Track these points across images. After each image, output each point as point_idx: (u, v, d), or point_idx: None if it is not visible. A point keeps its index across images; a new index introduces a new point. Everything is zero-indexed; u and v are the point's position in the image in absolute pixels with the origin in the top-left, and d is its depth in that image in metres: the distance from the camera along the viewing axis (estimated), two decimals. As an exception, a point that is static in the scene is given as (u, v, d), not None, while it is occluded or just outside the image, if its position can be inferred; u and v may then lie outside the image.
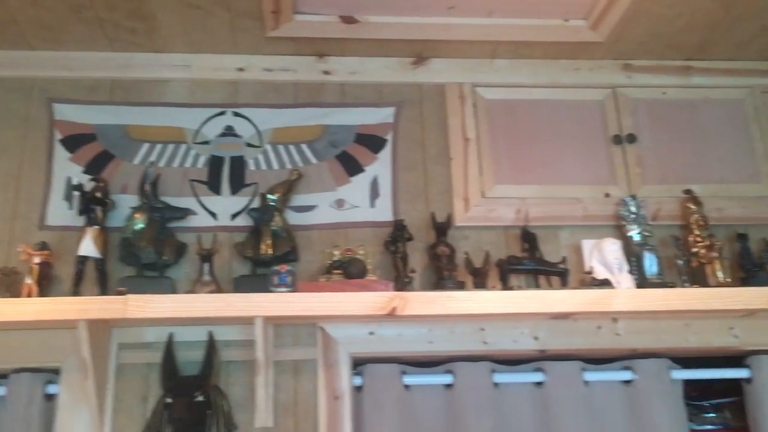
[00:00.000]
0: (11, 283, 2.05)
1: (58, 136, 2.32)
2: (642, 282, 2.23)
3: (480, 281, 2.15)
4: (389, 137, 2.44)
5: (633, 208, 2.33)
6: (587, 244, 2.29)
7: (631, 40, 2.46)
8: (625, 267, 2.23)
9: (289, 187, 2.29)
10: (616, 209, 2.37)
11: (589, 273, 2.21)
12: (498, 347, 2.18)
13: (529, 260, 2.22)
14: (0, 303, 1.89)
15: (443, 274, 2.15)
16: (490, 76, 2.53)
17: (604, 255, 2.22)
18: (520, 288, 2.20)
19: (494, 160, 2.43)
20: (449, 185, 2.39)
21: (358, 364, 2.17)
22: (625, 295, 2.07)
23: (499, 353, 2.19)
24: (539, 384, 2.17)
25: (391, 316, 1.96)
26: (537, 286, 2.23)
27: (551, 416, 2.13)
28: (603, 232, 2.35)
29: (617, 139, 2.48)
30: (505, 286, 2.17)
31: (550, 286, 2.23)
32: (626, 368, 2.20)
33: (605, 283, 2.13)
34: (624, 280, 2.19)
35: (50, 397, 2.04)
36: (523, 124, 2.49)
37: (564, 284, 2.19)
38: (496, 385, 2.16)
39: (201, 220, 2.28)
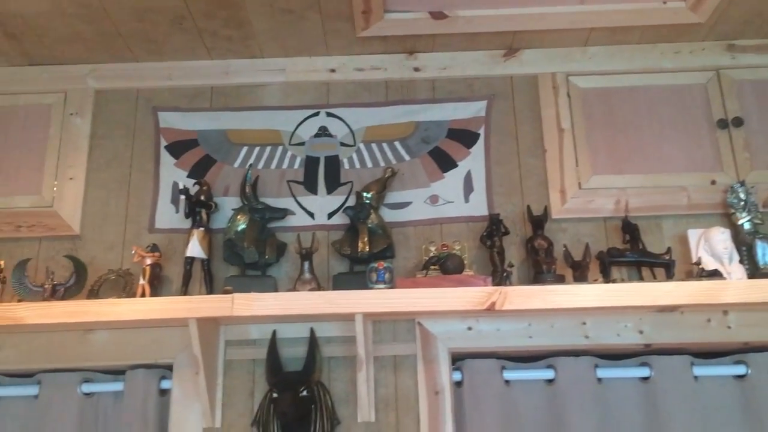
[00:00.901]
0: (126, 284, 2.17)
1: (164, 142, 2.43)
2: (754, 272, 2.13)
3: (580, 274, 2.10)
4: (481, 131, 2.42)
5: (742, 195, 2.22)
6: (694, 234, 2.20)
7: (735, 20, 2.35)
8: (736, 257, 2.14)
9: (383, 185, 2.31)
10: (724, 197, 2.26)
11: (697, 264, 2.12)
12: (601, 341, 2.13)
13: (632, 252, 2.15)
14: (117, 303, 2.00)
15: (542, 268, 2.12)
16: (584, 64, 2.47)
17: (712, 245, 2.13)
18: (623, 281, 2.14)
19: (591, 150, 2.37)
20: (544, 177, 2.35)
21: (457, 360, 2.17)
22: (737, 286, 1.97)
23: (601, 348, 2.14)
24: (645, 379, 2.11)
25: (491, 311, 1.95)
26: (640, 279, 2.17)
27: (659, 412, 2.06)
28: (710, 221, 2.26)
29: (722, 123, 2.37)
30: (607, 279, 2.12)
31: (654, 279, 2.16)
32: (739, 362, 2.11)
33: (715, 274, 2.04)
34: (735, 270, 2.10)
35: (164, 392, 2.14)
36: (620, 112, 2.42)
37: (669, 276, 2.12)
38: (599, 380, 2.11)
39: (299, 219, 2.33)
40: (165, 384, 2.14)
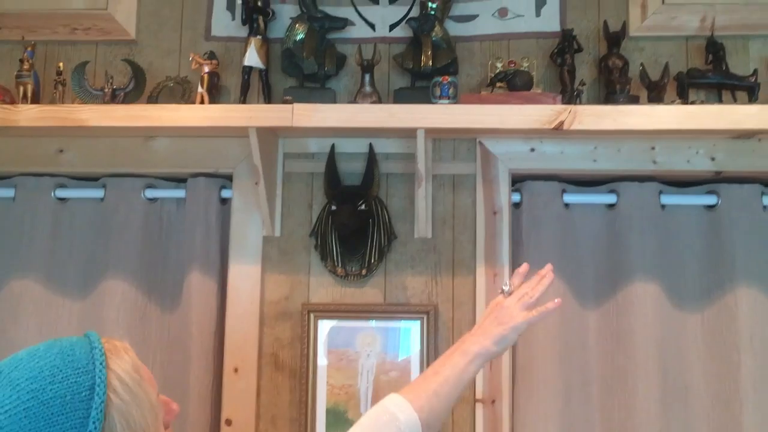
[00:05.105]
0: (185, 92, 2.13)
1: (217, -57, 2.28)
2: None
3: (656, 95, 1.98)
4: (557, -65, 2.21)
5: (844, 14, 2.02)
6: (783, 56, 2.04)
7: None
8: (828, 81, 1.99)
9: (449, -6, 2.16)
10: (822, 14, 2.07)
11: (784, 88, 1.99)
12: (668, 167, 2.06)
13: (714, 73, 2.01)
14: (178, 108, 1.99)
15: (615, 88, 2.00)
16: None
17: (804, 66, 1.98)
18: (702, 103, 2.02)
19: (679, -40, 2.16)
20: (626, -10, 2.17)
21: (517, 181, 2.13)
22: (826, 110, 1.85)
23: (669, 174, 2.08)
24: (711, 207, 2.05)
25: (558, 130, 1.88)
26: (720, 102, 2.04)
27: (723, 241, 2.02)
28: (803, 41, 2.08)
29: (833, -68, 2.11)
30: (685, 101, 2.00)
31: (736, 103, 2.03)
32: (815, 193, 2.03)
33: (802, 99, 1.91)
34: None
35: (224, 201, 2.18)
36: None
37: (752, 100, 1.99)
38: (663, 206, 2.07)
39: (359, 31, 2.21)
40: (225, 193, 2.17)
